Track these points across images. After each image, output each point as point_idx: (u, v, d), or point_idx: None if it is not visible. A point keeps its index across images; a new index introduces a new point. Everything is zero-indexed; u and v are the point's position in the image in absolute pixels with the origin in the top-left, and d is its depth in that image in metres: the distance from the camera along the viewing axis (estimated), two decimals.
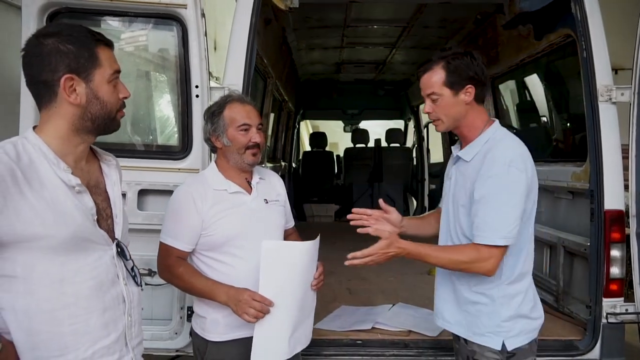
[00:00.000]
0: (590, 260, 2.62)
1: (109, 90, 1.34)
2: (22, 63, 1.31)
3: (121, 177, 1.54)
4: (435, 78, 1.81)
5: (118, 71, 1.37)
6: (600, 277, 2.54)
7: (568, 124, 3.72)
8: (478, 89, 1.81)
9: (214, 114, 1.99)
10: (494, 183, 1.73)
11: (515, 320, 1.83)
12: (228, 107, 1.99)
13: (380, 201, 1.99)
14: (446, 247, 1.87)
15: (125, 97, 1.39)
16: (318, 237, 1.88)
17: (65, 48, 1.28)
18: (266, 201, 2.03)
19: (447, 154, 6.03)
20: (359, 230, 1.81)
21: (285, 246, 1.88)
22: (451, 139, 5.65)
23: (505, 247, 1.74)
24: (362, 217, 1.86)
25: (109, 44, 1.36)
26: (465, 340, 1.89)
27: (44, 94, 1.30)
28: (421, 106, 7.17)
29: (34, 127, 1.33)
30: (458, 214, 1.87)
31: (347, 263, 1.75)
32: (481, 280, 1.83)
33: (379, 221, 1.87)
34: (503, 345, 1.81)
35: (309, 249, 1.86)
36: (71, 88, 1.29)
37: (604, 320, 2.52)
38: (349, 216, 1.87)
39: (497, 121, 1.90)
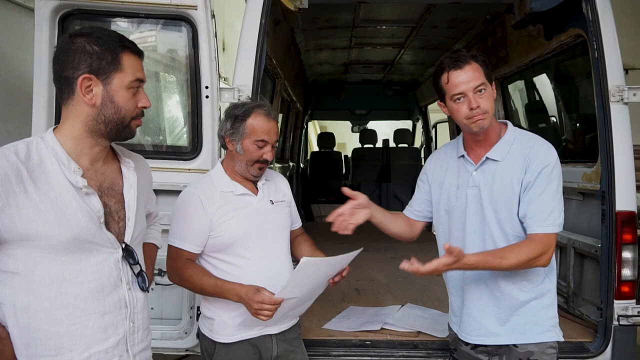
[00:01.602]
0: (601, 261, 2.60)
1: (126, 96, 1.35)
2: (52, 58, 1.34)
3: (148, 177, 1.56)
4: (480, 69, 1.77)
5: (141, 80, 1.37)
6: (612, 279, 2.51)
7: (578, 125, 3.69)
8: None
9: (237, 117, 1.95)
10: (547, 173, 1.77)
11: (556, 310, 1.90)
12: (253, 116, 1.94)
13: (344, 189, 1.88)
14: (504, 249, 1.77)
15: (145, 107, 1.40)
16: (358, 251, 1.85)
17: (91, 48, 1.30)
18: (272, 202, 2.04)
19: None
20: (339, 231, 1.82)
21: (323, 262, 1.83)
22: None
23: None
24: (338, 220, 1.84)
25: (137, 53, 1.37)
26: (514, 344, 1.84)
27: (64, 90, 1.33)
28: (429, 106, 7.16)
29: (54, 128, 1.35)
30: (500, 215, 1.82)
31: (407, 268, 1.66)
32: (528, 279, 1.83)
33: (353, 216, 1.85)
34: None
35: (343, 259, 1.83)
36: (88, 88, 1.31)
37: (615, 323, 2.50)
38: (332, 228, 1.84)
39: (510, 122, 1.92)
